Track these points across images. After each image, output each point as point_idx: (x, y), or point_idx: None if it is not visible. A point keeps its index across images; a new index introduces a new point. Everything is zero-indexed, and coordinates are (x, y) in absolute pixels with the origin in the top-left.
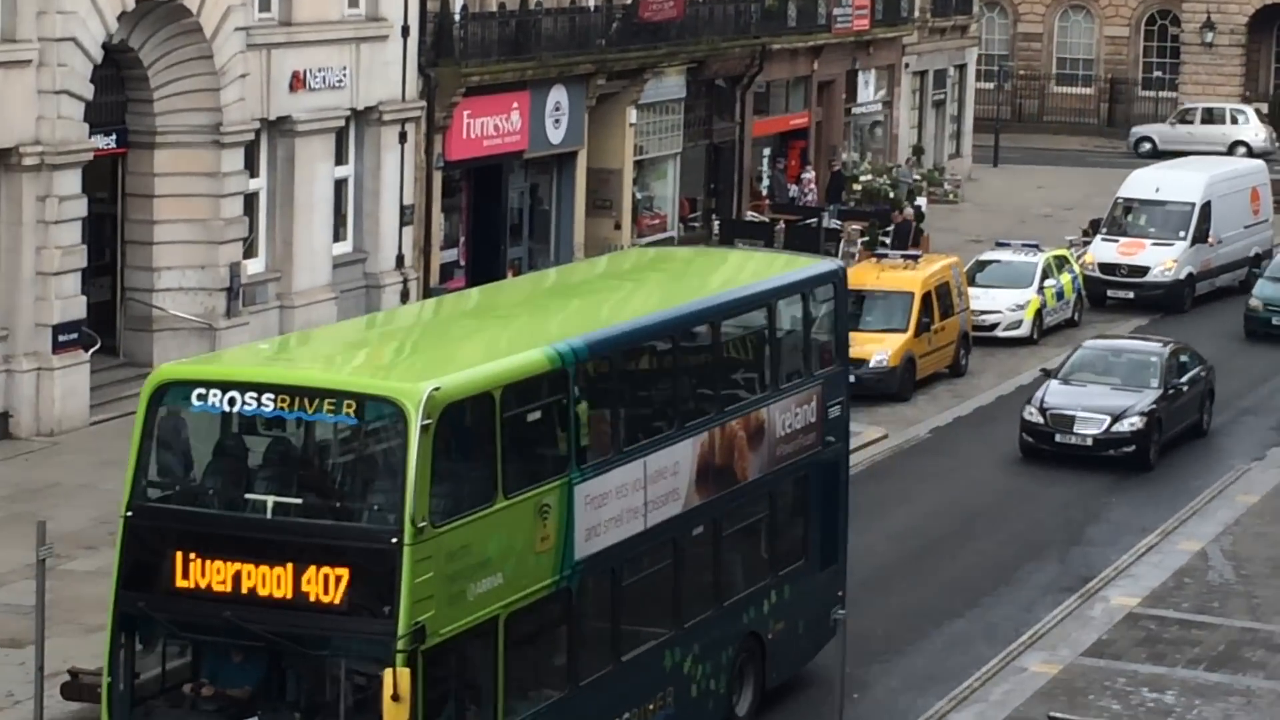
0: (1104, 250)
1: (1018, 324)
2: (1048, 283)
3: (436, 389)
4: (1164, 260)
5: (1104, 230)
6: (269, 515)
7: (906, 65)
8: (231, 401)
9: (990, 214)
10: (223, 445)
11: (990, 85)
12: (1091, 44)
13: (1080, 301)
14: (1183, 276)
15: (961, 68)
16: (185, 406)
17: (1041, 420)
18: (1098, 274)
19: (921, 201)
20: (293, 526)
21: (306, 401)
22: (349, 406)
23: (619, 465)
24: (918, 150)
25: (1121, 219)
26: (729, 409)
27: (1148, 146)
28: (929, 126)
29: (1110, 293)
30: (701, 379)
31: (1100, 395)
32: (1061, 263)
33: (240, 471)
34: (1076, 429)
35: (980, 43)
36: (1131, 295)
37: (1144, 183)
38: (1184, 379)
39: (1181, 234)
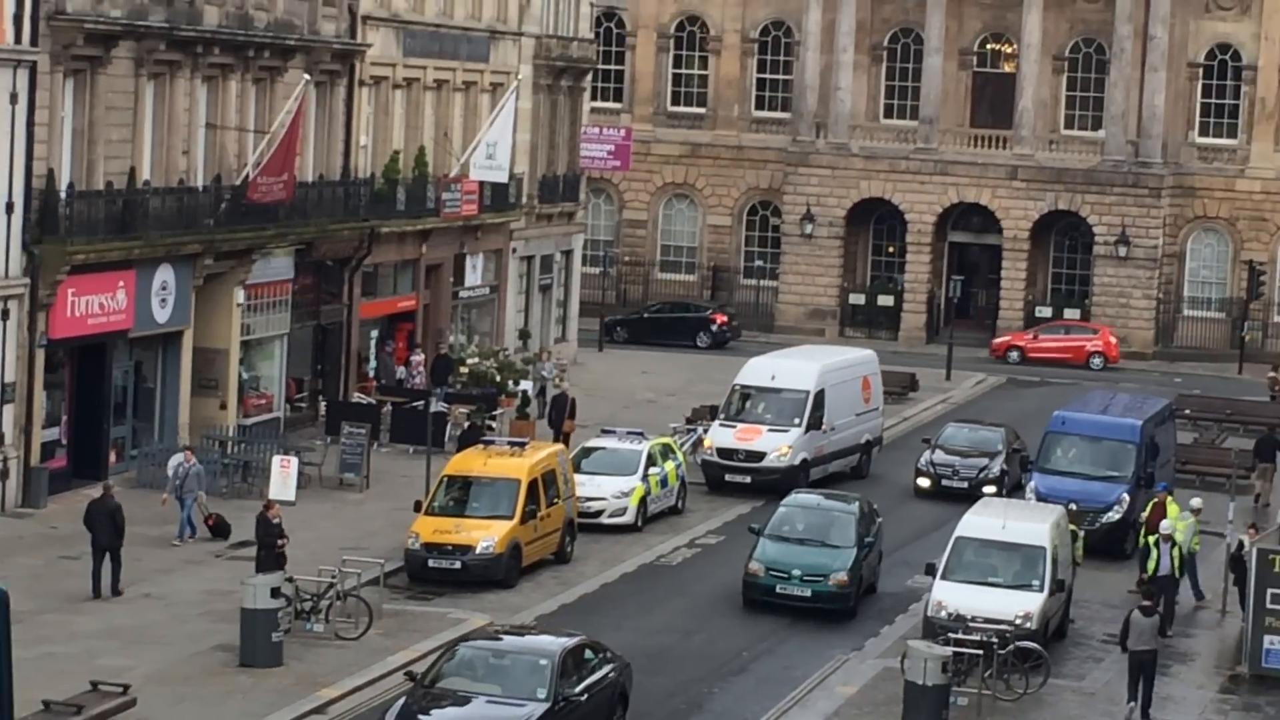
0: (722, 435)
1: (623, 511)
2: (652, 471)
3: None
4: (779, 446)
5: (722, 416)
6: None
7: (514, 250)
8: None
9: (596, 399)
10: None
11: (596, 270)
12: (695, 232)
13: (684, 489)
14: (797, 462)
15: (568, 253)
16: None
17: None
18: (716, 458)
19: (527, 386)
20: None
21: None
22: None
23: None
24: (524, 334)
25: (739, 405)
26: None
27: None
28: (535, 310)
29: (728, 476)
30: None
31: None
32: (666, 450)
33: None
34: None
35: (587, 229)
36: (749, 479)
37: (760, 370)
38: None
39: (796, 420)
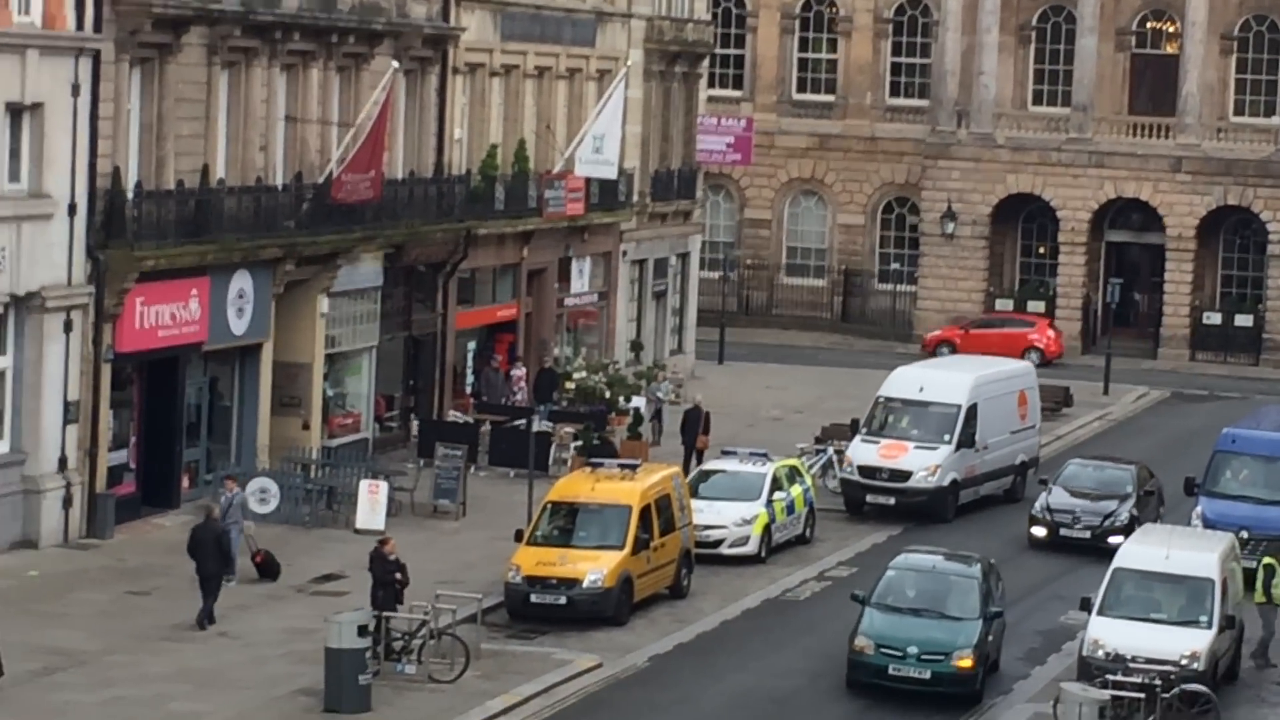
0: (863, 451)
1: (744, 540)
2: (777, 495)
3: None
4: (927, 464)
5: (864, 431)
6: None
7: (624, 253)
8: None
9: (716, 417)
10: None
11: (715, 275)
12: (824, 232)
13: (812, 516)
14: (946, 483)
15: (684, 256)
16: None
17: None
18: (856, 477)
19: (639, 402)
20: None
21: None
22: None
23: None
24: (636, 346)
25: (883, 419)
26: None
27: None
28: (648, 320)
29: (869, 498)
30: None
31: None
32: (792, 473)
33: None
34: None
35: (705, 229)
36: (893, 501)
37: (907, 381)
38: None
39: (946, 437)
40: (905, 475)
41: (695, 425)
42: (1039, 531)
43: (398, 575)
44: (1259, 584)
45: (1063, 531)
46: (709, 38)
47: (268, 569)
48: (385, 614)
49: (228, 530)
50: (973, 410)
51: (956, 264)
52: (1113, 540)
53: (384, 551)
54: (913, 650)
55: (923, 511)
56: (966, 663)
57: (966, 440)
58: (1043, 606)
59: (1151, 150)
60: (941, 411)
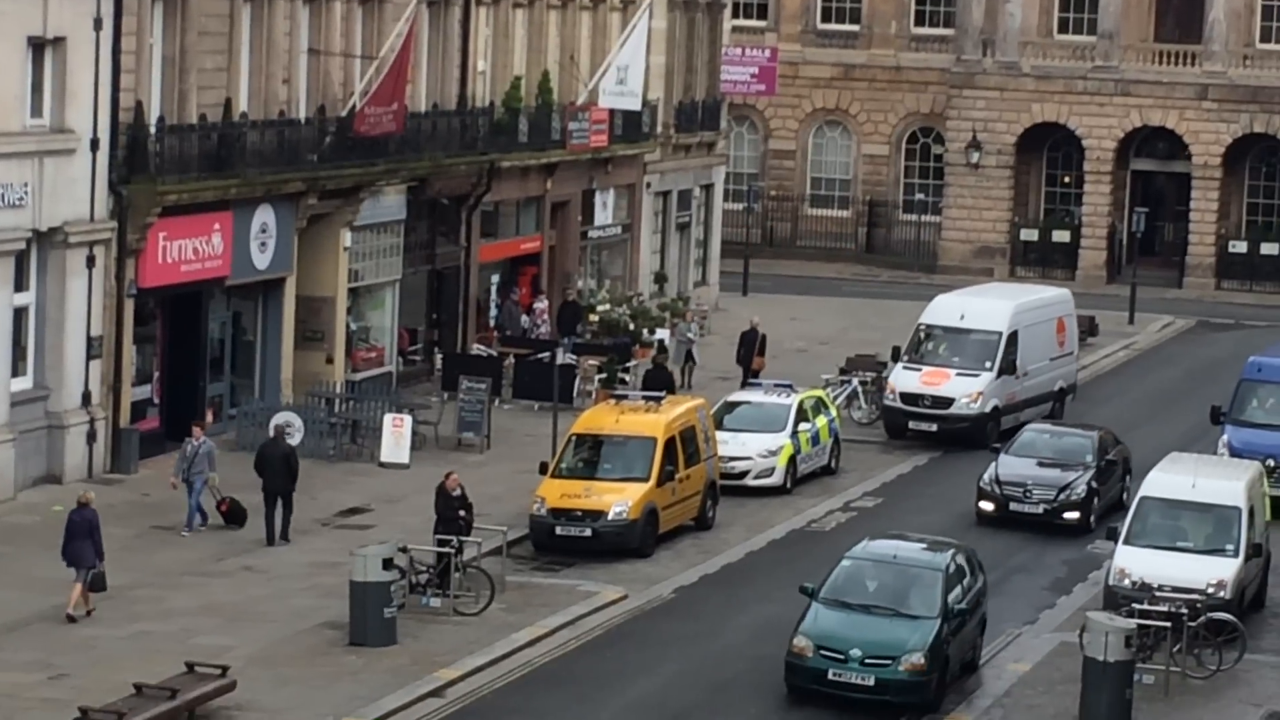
0: (905, 379)
1: (770, 472)
2: (802, 427)
3: None
4: (969, 391)
5: (905, 358)
6: None
7: (648, 185)
8: None
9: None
10: None
11: (739, 207)
12: (849, 163)
13: (837, 446)
14: (988, 409)
15: (708, 188)
16: None
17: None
18: (899, 404)
19: (664, 334)
20: None
21: None
22: None
23: None
24: (660, 278)
25: (924, 347)
26: None
27: None
28: (672, 252)
29: (912, 424)
30: None
31: None
32: (818, 404)
33: None
34: None
35: (729, 160)
36: (935, 428)
37: (947, 309)
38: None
39: (988, 364)
40: (948, 402)
41: (751, 346)
42: (986, 506)
43: (461, 512)
44: None
45: (1013, 506)
46: None
47: (234, 516)
48: (407, 546)
49: (294, 450)
50: (1013, 337)
51: (981, 194)
52: (1068, 516)
53: (447, 486)
54: (855, 653)
55: (964, 437)
56: (917, 666)
57: (1007, 367)
58: (1055, 548)
59: (1177, 78)
60: (982, 338)
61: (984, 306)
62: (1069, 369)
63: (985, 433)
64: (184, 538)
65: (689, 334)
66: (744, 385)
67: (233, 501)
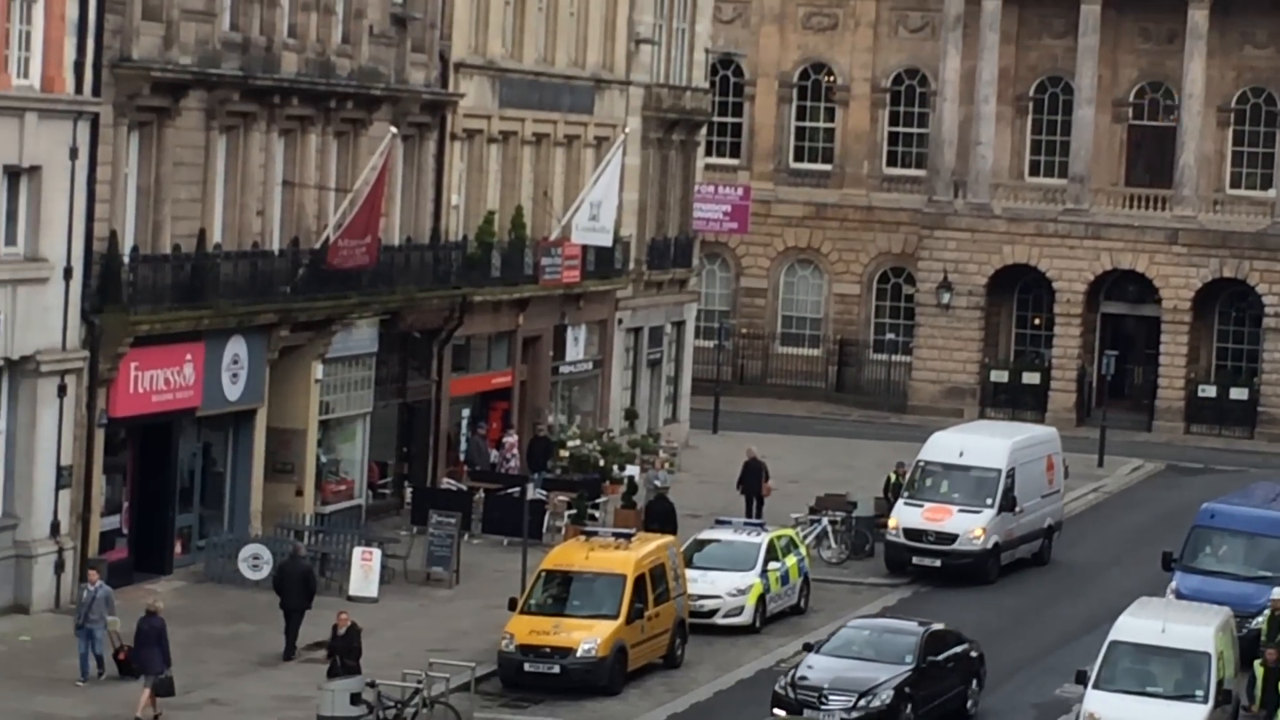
0: (908, 514)
1: (739, 610)
2: (772, 566)
3: None
4: (973, 528)
5: (906, 494)
6: None
7: (620, 321)
8: None
9: (709, 486)
10: None
11: (710, 344)
12: (820, 302)
13: (807, 586)
14: (990, 546)
15: (679, 325)
16: None
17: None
18: (902, 539)
19: (634, 471)
20: None
21: None
22: None
23: None
24: (631, 414)
25: (923, 483)
26: None
27: None
28: (643, 388)
29: (915, 559)
30: None
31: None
32: (787, 543)
33: None
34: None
35: (701, 298)
36: (939, 563)
37: (946, 446)
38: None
39: (989, 501)
40: (951, 538)
41: (757, 476)
42: (779, 714)
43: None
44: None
45: (806, 714)
46: (707, 106)
47: (129, 668)
48: (375, 681)
49: (311, 569)
50: (1012, 474)
51: (952, 335)
52: None
53: (335, 625)
54: None
55: (968, 573)
56: None
57: (1007, 504)
58: (1035, 680)
59: (1148, 222)
60: (982, 475)
61: (982, 444)
62: (1057, 506)
63: (987, 569)
64: (80, 687)
65: (656, 482)
66: (749, 514)
67: (131, 650)
